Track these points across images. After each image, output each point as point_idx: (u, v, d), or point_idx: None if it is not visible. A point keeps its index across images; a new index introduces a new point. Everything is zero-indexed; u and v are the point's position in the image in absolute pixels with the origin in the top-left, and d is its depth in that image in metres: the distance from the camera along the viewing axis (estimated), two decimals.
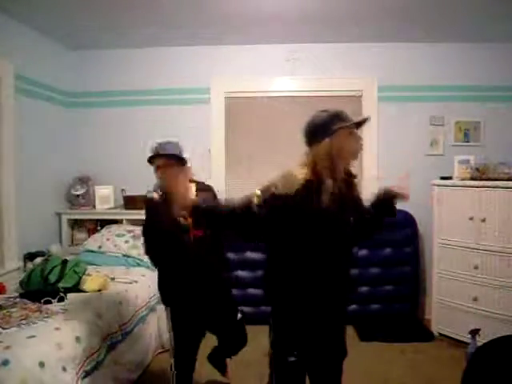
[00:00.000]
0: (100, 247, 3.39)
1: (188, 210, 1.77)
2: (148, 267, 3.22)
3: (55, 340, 1.90)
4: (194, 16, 3.18)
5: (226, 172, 3.90)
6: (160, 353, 3.06)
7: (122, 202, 3.84)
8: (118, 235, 3.46)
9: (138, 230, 3.53)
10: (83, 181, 3.82)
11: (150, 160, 2.11)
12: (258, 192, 1.61)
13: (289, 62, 3.85)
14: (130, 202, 3.77)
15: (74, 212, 3.81)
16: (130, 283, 2.85)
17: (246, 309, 3.27)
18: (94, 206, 3.85)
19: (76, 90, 3.97)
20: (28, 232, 3.26)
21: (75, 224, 3.88)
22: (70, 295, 2.48)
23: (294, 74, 3.87)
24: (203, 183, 2.30)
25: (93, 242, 3.47)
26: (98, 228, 3.78)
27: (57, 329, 1.98)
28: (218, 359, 2.63)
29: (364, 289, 3.60)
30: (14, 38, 3.15)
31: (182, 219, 2.07)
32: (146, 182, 3.75)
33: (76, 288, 2.60)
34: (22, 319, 2.05)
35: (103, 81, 3.97)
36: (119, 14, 3.15)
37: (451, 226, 3.26)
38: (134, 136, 3.94)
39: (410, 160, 3.78)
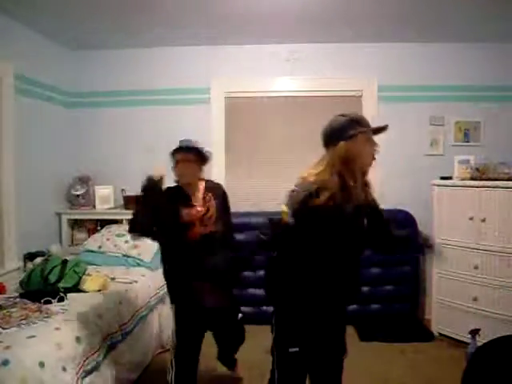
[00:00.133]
0: (100, 247, 3.39)
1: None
2: (148, 267, 3.22)
3: (55, 340, 1.89)
4: (194, 16, 3.18)
5: (225, 172, 3.90)
6: (160, 353, 3.05)
7: (121, 202, 3.84)
8: (117, 235, 3.46)
9: None
10: (83, 181, 3.82)
11: (173, 154, 2.16)
12: (285, 208, 1.63)
13: (289, 61, 3.85)
14: (130, 202, 3.76)
15: (74, 212, 3.81)
16: (130, 283, 2.85)
17: (247, 309, 3.28)
18: (94, 206, 3.85)
19: (76, 90, 3.97)
20: (28, 232, 3.26)
21: (75, 224, 3.88)
22: (70, 295, 2.48)
23: (294, 74, 3.87)
24: (212, 181, 2.32)
25: (93, 242, 3.47)
26: (98, 228, 3.78)
27: (57, 329, 1.98)
28: (227, 356, 2.62)
29: (364, 289, 3.59)
30: (14, 39, 3.15)
31: (185, 216, 2.09)
32: None
33: (76, 288, 2.60)
34: (22, 319, 2.05)
35: (104, 81, 3.97)
36: (120, 15, 3.15)
37: (451, 226, 3.26)
38: (134, 136, 3.94)
39: (410, 160, 3.79)
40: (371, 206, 1.80)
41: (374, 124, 1.75)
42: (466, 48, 3.76)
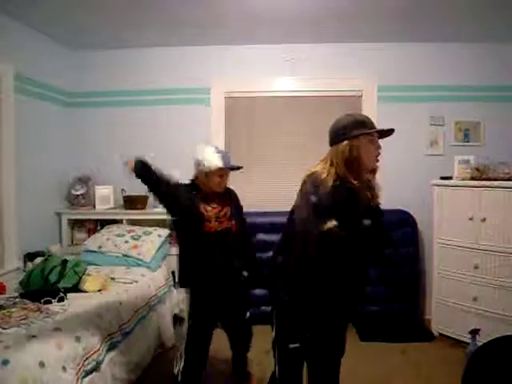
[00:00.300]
0: (100, 247, 3.38)
1: None
2: (148, 267, 3.23)
3: (55, 340, 1.89)
4: (194, 17, 3.18)
5: None
6: (160, 353, 3.05)
7: (122, 202, 3.84)
8: (118, 235, 3.46)
9: (139, 229, 3.54)
10: (83, 181, 3.82)
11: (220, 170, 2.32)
12: (335, 222, 1.62)
13: (289, 62, 3.85)
14: (130, 202, 3.77)
15: (74, 212, 3.81)
16: (130, 283, 2.85)
17: None
18: (94, 206, 3.84)
19: (76, 89, 3.97)
20: (28, 232, 3.26)
21: (75, 224, 3.88)
22: (70, 295, 2.48)
23: (294, 74, 3.87)
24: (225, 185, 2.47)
25: (93, 242, 3.46)
26: (98, 228, 3.78)
27: (57, 329, 1.98)
28: (241, 369, 2.66)
29: None
30: (14, 38, 3.15)
31: (203, 210, 2.27)
32: None
33: (76, 288, 2.60)
34: (21, 319, 2.05)
35: (103, 81, 3.97)
36: (120, 15, 3.15)
37: (451, 226, 3.26)
38: (134, 136, 3.94)
39: (409, 160, 3.79)
40: (374, 206, 1.80)
41: (377, 126, 1.75)
42: (466, 48, 3.76)
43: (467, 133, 3.80)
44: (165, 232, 3.55)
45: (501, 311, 2.96)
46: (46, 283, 2.54)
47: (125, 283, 2.83)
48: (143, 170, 2.30)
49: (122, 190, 3.82)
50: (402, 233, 3.64)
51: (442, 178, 3.39)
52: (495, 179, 3.05)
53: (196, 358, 2.35)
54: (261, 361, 2.80)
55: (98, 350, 2.14)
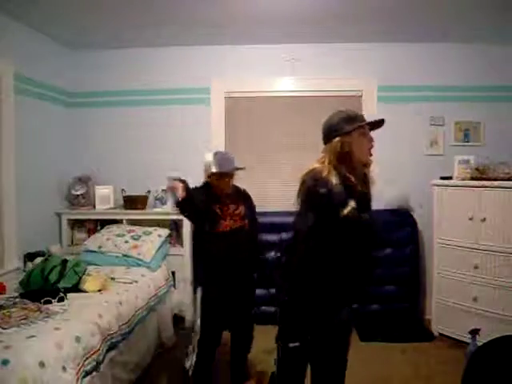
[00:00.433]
0: (100, 247, 3.38)
1: None
2: (148, 267, 3.23)
3: (55, 340, 1.89)
4: (195, 17, 3.18)
5: None
6: (160, 353, 3.06)
7: (122, 202, 3.84)
8: (118, 235, 3.46)
9: (139, 229, 3.54)
10: (83, 181, 3.82)
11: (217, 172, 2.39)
12: (353, 204, 1.63)
13: (289, 62, 3.85)
14: (130, 202, 3.77)
15: (74, 212, 3.80)
16: (130, 283, 2.85)
17: None
18: (94, 206, 3.84)
19: (76, 89, 3.97)
20: (28, 232, 3.26)
21: (75, 224, 3.88)
22: (70, 295, 2.48)
23: (294, 74, 3.87)
24: (237, 186, 2.59)
25: (93, 242, 3.46)
26: (98, 228, 3.78)
27: (57, 329, 1.98)
28: (239, 371, 2.67)
29: None
30: (14, 38, 3.15)
31: (217, 210, 2.39)
32: (146, 182, 3.82)
33: (76, 288, 2.60)
34: (22, 319, 2.05)
35: (103, 81, 3.97)
36: (120, 15, 3.15)
37: (451, 226, 3.26)
38: (134, 136, 3.94)
39: (409, 160, 3.79)
40: (367, 199, 1.81)
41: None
42: (466, 48, 3.76)
43: (467, 133, 3.80)
44: (165, 232, 3.55)
45: (501, 311, 2.96)
46: (45, 283, 2.54)
47: (125, 283, 2.83)
48: (186, 204, 2.26)
49: (122, 190, 3.82)
50: (402, 233, 3.64)
51: (442, 178, 3.39)
52: (495, 179, 3.05)
53: (208, 353, 2.43)
54: (261, 361, 2.80)
55: (98, 350, 2.14)
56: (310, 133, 3.75)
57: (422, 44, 3.76)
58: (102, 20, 3.27)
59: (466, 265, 3.15)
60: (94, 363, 2.08)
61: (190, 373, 2.40)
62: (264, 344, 3.08)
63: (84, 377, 1.98)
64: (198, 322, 2.44)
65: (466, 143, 3.78)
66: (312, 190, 1.65)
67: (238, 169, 2.46)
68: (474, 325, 2.90)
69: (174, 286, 3.57)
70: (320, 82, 3.86)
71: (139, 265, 3.24)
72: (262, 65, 3.89)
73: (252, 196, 2.69)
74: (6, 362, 1.64)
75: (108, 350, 2.26)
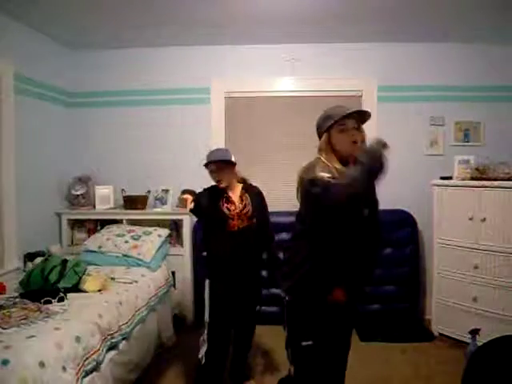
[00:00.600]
0: (100, 247, 3.38)
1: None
2: (148, 267, 3.22)
3: (55, 340, 1.89)
4: (195, 17, 3.18)
5: None
6: (160, 353, 3.06)
7: (122, 202, 3.84)
8: (118, 235, 3.46)
9: (139, 229, 3.54)
10: (83, 181, 3.82)
11: (206, 166, 2.50)
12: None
13: (289, 62, 3.85)
14: (130, 202, 3.77)
15: (74, 212, 3.80)
16: (130, 283, 2.85)
17: None
18: (94, 206, 3.84)
19: (76, 89, 3.97)
20: (28, 232, 3.26)
21: (75, 224, 3.88)
22: (70, 295, 2.47)
23: (294, 74, 3.87)
24: (249, 184, 2.65)
25: (93, 242, 3.46)
26: (98, 228, 3.78)
27: (57, 329, 1.98)
28: (238, 372, 2.68)
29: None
30: (14, 38, 3.15)
31: (225, 210, 2.44)
32: (145, 182, 3.82)
33: (76, 288, 2.60)
34: (22, 319, 2.04)
35: (104, 81, 3.97)
36: (120, 15, 3.15)
37: (451, 226, 3.26)
38: (134, 136, 3.94)
39: (409, 160, 3.79)
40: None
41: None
42: (467, 48, 3.76)
43: (467, 133, 3.80)
44: (165, 232, 3.55)
45: (501, 311, 2.96)
46: (45, 283, 2.53)
47: (125, 283, 2.83)
48: (197, 211, 2.54)
49: (122, 190, 3.82)
50: (402, 233, 3.64)
51: (442, 178, 3.39)
52: (495, 179, 3.05)
53: (218, 349, 2.46)
54: (261, 360, 2.80)
55: (98, 349, 2.14)
56: (310, 133, 3.71)
57: (422, 44, 3.76)
58: (102, 20, 3.27)
59: (466, 265, 3.15)
60: (94, 363, 2.08)
61: (203, 361, 2.45)
62: (264, 344, 3.09)
63: (84, 377, 1.98)
64: (206, 315, 2.48)
65: (466, 143, 3.78)
66: (308, 188, 1.70)
67: (225, 161, 2.46)
68: (473, 325, 2.90)
69: (174, 286, 3.57)
70: (320, 82, 3.86)
71: (139, 265, 3.24)
72: (262, 65, 3.88)
73: None
74: (5, 362, 1.64)
75: (108, 350, 2.26)
